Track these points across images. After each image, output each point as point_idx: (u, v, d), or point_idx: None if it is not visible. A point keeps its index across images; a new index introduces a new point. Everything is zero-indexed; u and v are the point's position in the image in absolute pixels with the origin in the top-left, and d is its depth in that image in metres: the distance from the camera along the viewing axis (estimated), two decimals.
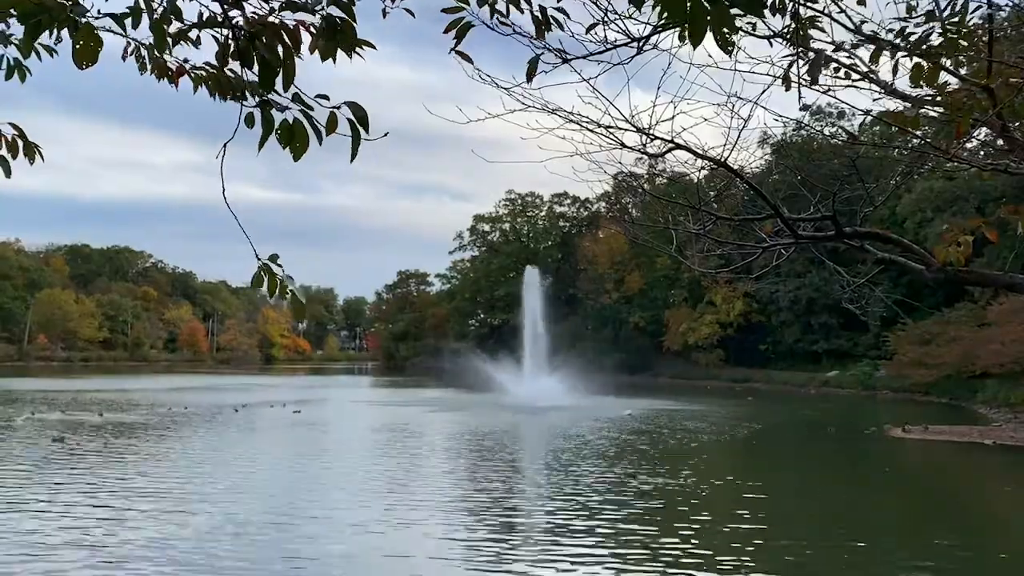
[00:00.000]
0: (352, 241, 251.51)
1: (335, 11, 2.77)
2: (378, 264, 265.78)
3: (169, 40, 3.00)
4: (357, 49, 2.90)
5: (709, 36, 2.51)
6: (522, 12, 3.57)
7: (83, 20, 2.85)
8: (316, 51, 2.86)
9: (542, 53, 4.20)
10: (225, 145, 2.94)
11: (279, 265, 3.11)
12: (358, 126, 2.89)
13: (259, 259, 3.08)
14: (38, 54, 3.37)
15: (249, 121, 2.90)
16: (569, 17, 3.76)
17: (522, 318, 59.57)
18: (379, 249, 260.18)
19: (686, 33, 2.68)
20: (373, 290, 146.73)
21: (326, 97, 2.89)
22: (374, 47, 2.93)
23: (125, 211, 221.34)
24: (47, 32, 2.92)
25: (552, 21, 3.65)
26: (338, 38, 2.78)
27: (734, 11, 2.48)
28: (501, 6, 3.56)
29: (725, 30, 2.41)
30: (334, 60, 2.85)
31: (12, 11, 2.89)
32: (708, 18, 2.30)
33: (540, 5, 3.60)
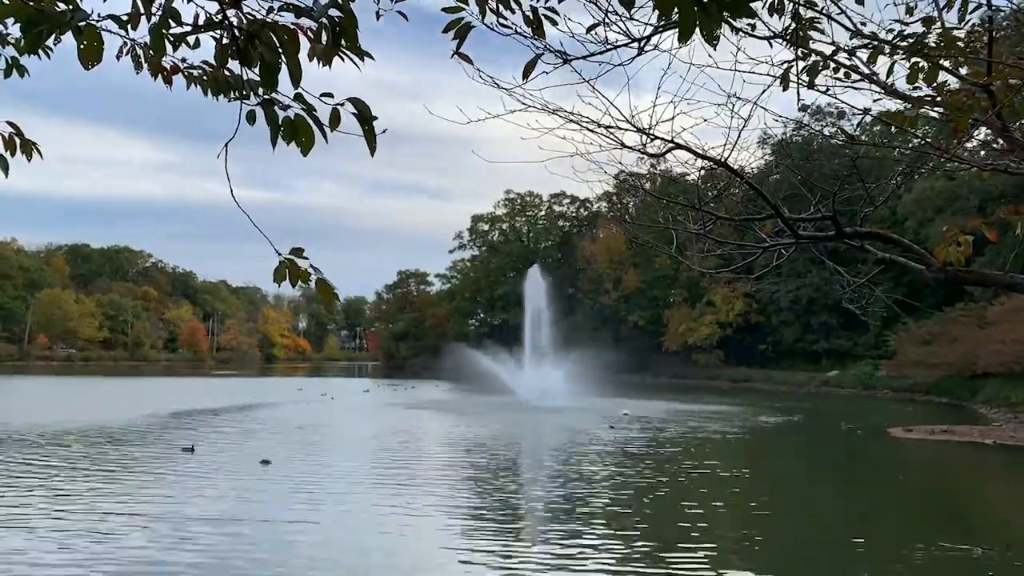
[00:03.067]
0: (344, 240, 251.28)
1: (335, 12, 2.77)
2: (373, 264, 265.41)
3: (168, 45, 3.00)
4: (355, 55, 2.90)
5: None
6: (512, 12, 3.57)
7: (84, 24, 2.85)
8: (315, 58, 2.86)
9: (542, 53, 4.20)
10: (227, 145, 2.95)
11: (304, 258, 3.12)
12: (369, 121, 2.90)
13: (279, 254, 3.09)
14: (37, 54, 3.38)
15: (251, 118, 2.91)
16: (559, 15, 3.76)
17: (522, 318, 59.50)
18: (372, 248, 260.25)
19: (679, 32, 2.70)
20: (373, 290, 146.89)
21: (330, 95, 2.90)
22: (372, 57, 2.93)
23: (101, 209, 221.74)
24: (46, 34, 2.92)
25: (544, 21, 3.64)
26: (342, 42, 2.78)
27: (724, 14, 2.56)
28: (495, 7, 3.56)
29: (711, 28, 2.48)
30: (329, 66, 2.86)
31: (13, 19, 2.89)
32: (696, 17, 2.39)
33: (531, 5, 3.60)
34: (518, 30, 3.99)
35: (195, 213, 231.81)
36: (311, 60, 2.85)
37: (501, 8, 3.53)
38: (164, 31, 2.95)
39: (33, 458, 20.82)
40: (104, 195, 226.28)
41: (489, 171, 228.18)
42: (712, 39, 2.57)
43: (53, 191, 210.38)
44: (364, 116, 2.89)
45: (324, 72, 2.91)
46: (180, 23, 2.97)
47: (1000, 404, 43.48)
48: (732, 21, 4.31)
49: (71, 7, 2.85)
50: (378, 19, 3.22)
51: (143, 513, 14.38)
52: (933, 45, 4.60)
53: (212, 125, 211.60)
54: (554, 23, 3.72)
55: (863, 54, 4.86)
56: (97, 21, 2.93)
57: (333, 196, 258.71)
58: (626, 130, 4.69)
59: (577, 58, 4.46)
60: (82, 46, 2.95)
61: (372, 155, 2.96)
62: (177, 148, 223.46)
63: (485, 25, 3.75)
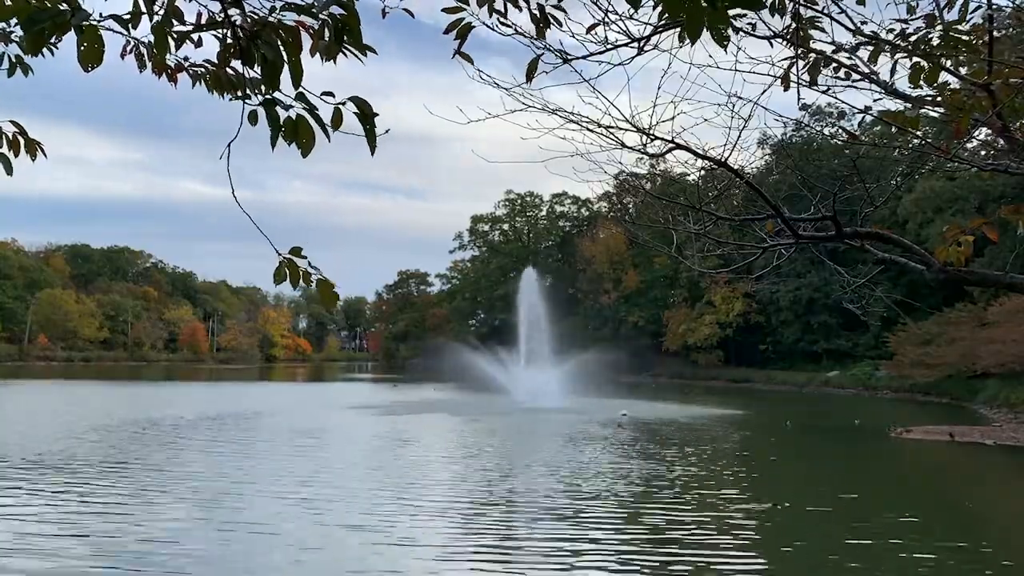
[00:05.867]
0: (325, 238, 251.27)
1: (337, 10, 2.77)
2: (355, 262, 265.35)
3: (171, 43, 3.00)
4: (356, 52, 2.89)
5: (708, 37, 2.53)
6: (520, 10, 3.57)
7: (86, 24, 2.84)
8: (316, 54, 2.86)
9: (542, 54, 4.21)
10: (229, 145, 2.94)
11: (303, 257, 3.11)
12: (371, 120, 2.90)
13: (280, 253, 3.09)
14: (40, 54, 3.37)
15: (252, 119, 2.90)
16: (567, 13, 3.76)
17: (519, 319, 59.36)
18: (352, 248, 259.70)
19: (686, 33, 2.69)
20: (374, 290, 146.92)
21: (331, 94, 2.89)
22: (375, 52, 2.93)
23: (77, 208, 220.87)
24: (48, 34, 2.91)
25: (551, 19, 3.65)
26: (345, 38, 2.78)
27: (734, 11, 2.53)
28: (500, 6, 3.56)
29: (720, 27, 2.46)
30: (334, 62, 2.85)
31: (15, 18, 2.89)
32: (704, 17, 2.37)
33: (539, 3, 3.60)
34: (518, 30, 4.00)
35: (174, 212, 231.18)
36: (312, 56, 2.85)
37: (509, 6, 3.53)
38: (167, 30, 2.94)
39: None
40: (77, 194, 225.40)
41: (465, 171, 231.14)
42: (722, 39, 2.55)
43: (26, 189, 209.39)
44: (366, 115, 2.89)
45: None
46: (183, 22, 2.97)
47: (1000, 404, 43.46)
48: (734, 22, 4.32)
49: (72, 6, 2.84)
50: (384, 16, 3.22)
51: None
52: (936, 44, 4.60)
53: (176, 122, 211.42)
54: (560, 23, 3.72)
55: (863, 53, 4.86)
56: (99, 21, 2.93)
57: (307, 194, 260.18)
58: (626, 130, 4.70)
59: (577, 58, 4.47)
60: (83, 47, 2.93)
61: (372, 154, 2.96)
62: (144, 147, 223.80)
63: (486, 25, 3.76)
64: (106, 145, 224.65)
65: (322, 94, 2.87)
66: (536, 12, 3.61)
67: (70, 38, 2.93)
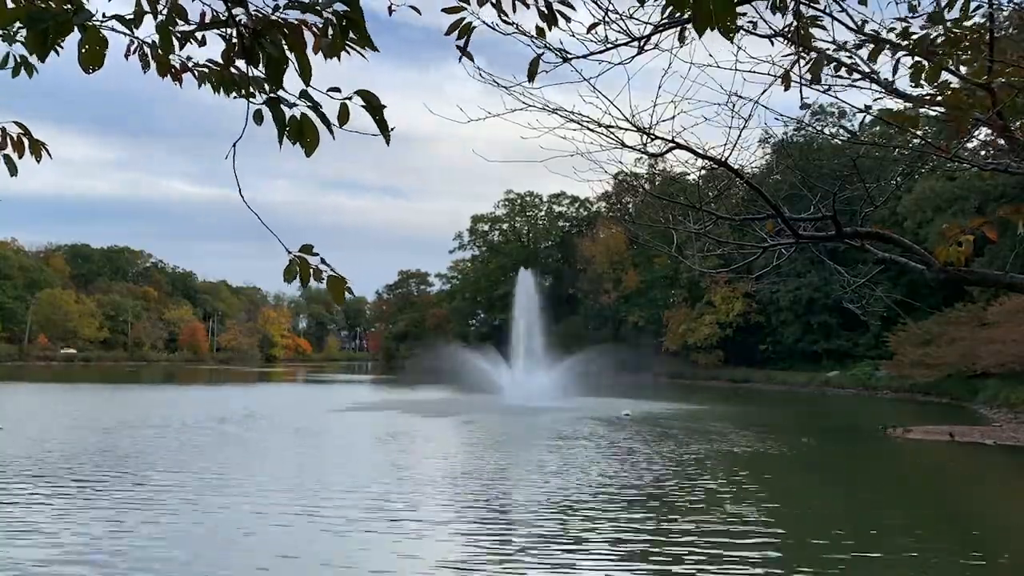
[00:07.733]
0: (333, 240, 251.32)
1: (340, 7, 2.76)
2: (363, 264, 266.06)
3: (176, 42, 2.99)
4: (359, 49, 2.89)
5: (709, 36, 2.53)
6: (528, 7, 3.58)
7: (88, 24, 2.83)
8: (320, 51, 2.85)
9: (543, 53, 4.22)
10: (235, 145, 2.94)
11: (315, 254, 3.08)
12: (380, 112, 2.87)
13: (289, 251, 3.05)
14: (44, 55, 3.37)
15: (258, 118, 2.89)
16: (574, 9, 3.77)
17: (517, 319, 59.31)
18: (364, 249, 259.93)
19: (686, 34, 2.70)
20: (373, 290, 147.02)
21: (338, 89, 2.86)
22: (377, 49, 2.92)
23: (75, 208, 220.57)
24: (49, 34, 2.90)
25: (559, 16, 3.65)
26: (351, 34, 2.77)
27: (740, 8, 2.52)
28: (504, 5, 3.57)
29: (727, 20, 2.43)
30: (338, 59, 2.85)
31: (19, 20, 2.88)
32: (712, 9, 2.34)
33: (547, 0, 3.61)
34: (520, 28, 4.01)
35: (173, 212, 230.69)
36: (316, 54, 2.84)
37: (517, 5, 3.52)
38: (171, 29, 2.94)
39: None
40: (76, 194, 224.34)
41: (462, 171, 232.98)
42: (729, 31, 2.51)
43: (24, 189, 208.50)
44: (375, 107, 2.86)
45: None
46: (187, 21, 2.96)
47: (1000, 404, 43.46)
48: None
49: (74, 6, 2.83)
50: (391, 13, 3.22)
51: None
52: (937, 42, 4.60)
53: (171, 123, 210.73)
54: (568, 19, 3.72)
55: (865, 52, 4.86)
56: (101, 21, 2.91)
57: (294, 194, 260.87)
58: (626, 130, 4.70)
59: (577, 57, 4.47)
60: (84, 49, 2.90)
61: (388, 144, 2.92)
62: (140, 147, 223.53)
63: (487, 25, 3.76)
64: (100, 145, 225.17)
65: (328, 90, 2.84)
66: (544, 9, 3.61)
67: (69, 38, 2.92)
